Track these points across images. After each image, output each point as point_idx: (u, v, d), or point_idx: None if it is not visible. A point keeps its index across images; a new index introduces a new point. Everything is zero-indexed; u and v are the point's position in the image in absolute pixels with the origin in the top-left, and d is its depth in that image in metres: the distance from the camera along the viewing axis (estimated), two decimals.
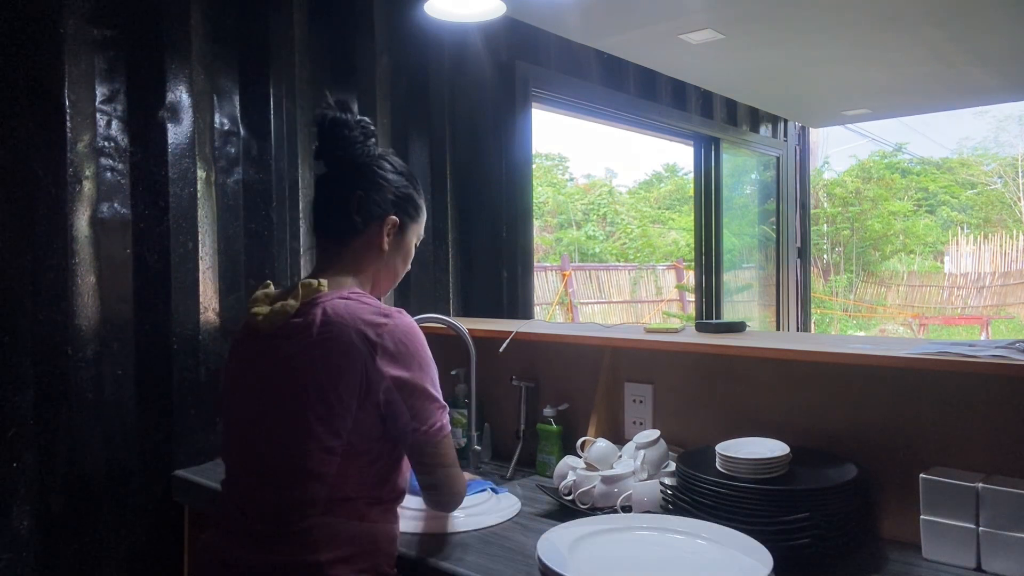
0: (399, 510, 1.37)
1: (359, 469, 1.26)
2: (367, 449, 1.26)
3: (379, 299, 1.38)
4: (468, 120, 2.89)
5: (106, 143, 1.87)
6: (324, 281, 1.32)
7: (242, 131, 2.17)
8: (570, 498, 1.61)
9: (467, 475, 1.62)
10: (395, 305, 2.57)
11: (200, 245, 2.03)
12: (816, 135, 10.61)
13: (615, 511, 1.54)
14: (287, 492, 1.24)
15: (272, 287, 1.39)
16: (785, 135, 5.35)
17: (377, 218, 1.39)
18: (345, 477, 1.24)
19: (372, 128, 1.41)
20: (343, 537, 1.23)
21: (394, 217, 1.41)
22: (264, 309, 1.32)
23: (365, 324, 1.25)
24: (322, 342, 1.25)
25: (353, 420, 1.23)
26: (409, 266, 1.50)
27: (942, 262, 14.72)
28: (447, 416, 1.33)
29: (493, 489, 1.69)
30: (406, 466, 1.35)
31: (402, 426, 1.27)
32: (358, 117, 1.39)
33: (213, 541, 1.32)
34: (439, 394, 1.32)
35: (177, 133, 1.99)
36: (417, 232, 1.48)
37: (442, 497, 1.37)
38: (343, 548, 1.23)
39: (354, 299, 1.29)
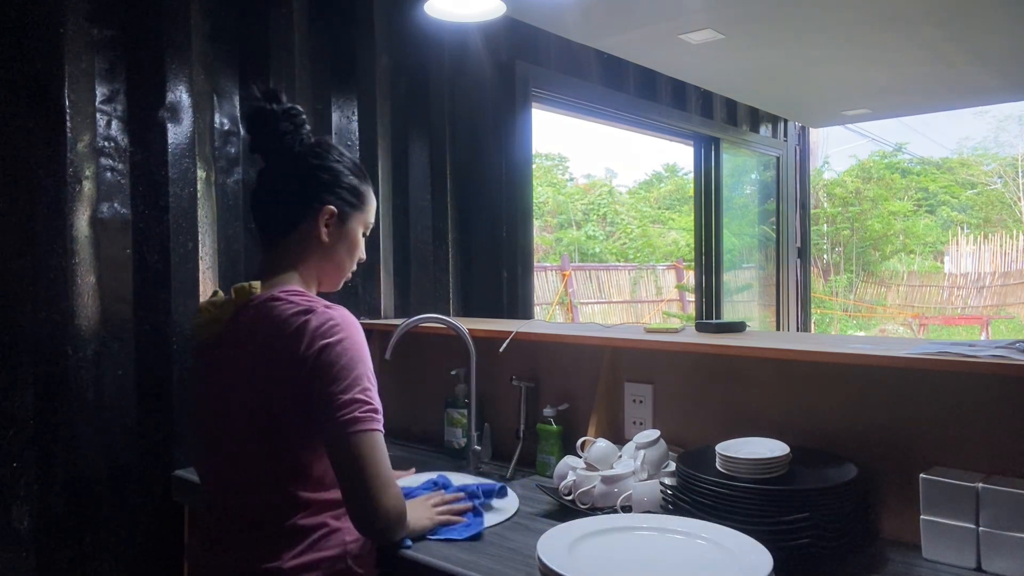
0: None
1: (317, 474, 1.24)
2: (318, 451, 1.23)
3: (329, 293, 1.35)
4: (468, 120, 2.89)
5: (106, 143, 1.87)
6: (256, 284, 1.30)
7: (242, 131, 2.17)
8: (570, 498, 1.61)
9: (470, 478, 1.57)
10: (396, 305, 2.59)
11: (200, 245, 2.03)
12: (816, 135, 10.61)
13: (615, 511, 1.54)
14: (251, 500, 1.25)
15: (220, 294, 1.36)
16: (785, 135, 5.35)
17: (314, 209, 1.34)
18: (302, 481, 1.24)
19: (303, 116, 1.37)
20: (309, 542, 1.23)
21: (332, 207, 1.35)
22: (201, 319, 1.32)
23: (289, 323, 1.21)
24: (252, 348, 1.24)
25: (297, 424, 1.21)
26: (361, 255, 1.44)
27: (942, 262, 14.72)
28: (374, 417, 1.21)
29: (499, 489, 1.66)
30: None
31: (320, 419, 1.19)
32: (287, 106, 1.35)
33: (198, 546, 1.33)
34: (365, 390, 1.21)
35: (177, 133, 1.99)
36: (364, 221, 1.42)
37: (357, 510, 1.19)
38: (309, 553, 1.23)
39: (283, 297, 1.26)
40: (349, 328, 1.23)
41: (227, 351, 1.28)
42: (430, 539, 1.41)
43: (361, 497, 1.18)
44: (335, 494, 1.25)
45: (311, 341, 1.19)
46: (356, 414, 1.18)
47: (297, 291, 1.29)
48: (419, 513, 1.42)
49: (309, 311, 1.22)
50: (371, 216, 1.44)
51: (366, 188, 1.43)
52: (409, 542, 1.38)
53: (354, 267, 1.45)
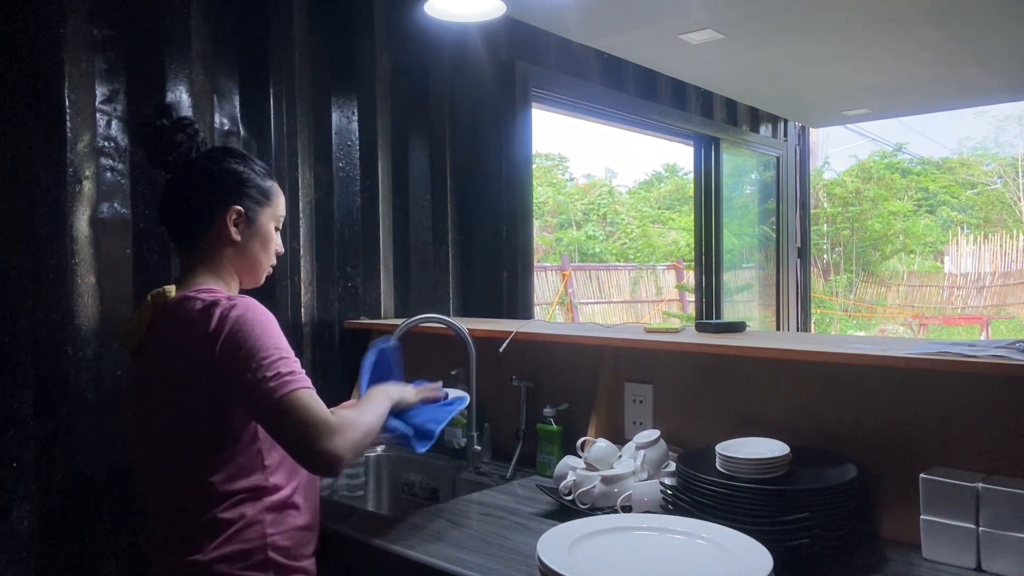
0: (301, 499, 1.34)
1: (234, 466, 1.27)
2: (234, 442, 1.26)
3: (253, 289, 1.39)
4: (468, 120, 2.89)
5: (106, 143, 1.87)
6: (171, 288, 1.34)
7: (242, 131, 2.17)
8: (570, 498, 1.61)
9: (431, 388, 1.62)
10: (396, 305, 2.59)
11: None
12: (816, 135, 10.61)
13: (615, 511, 1.54)
14: (172, 495, 1.30)
15: (149, 299, 1.38)
16: (785, 135, 5.35)
17: (220, 212, 1.37)
18: (220, 474, 1.26)
19: (195, 127, 1.40)
20: (228, 534, 1.26)
21: (238, 207, 1.38)
22: (126, 327, 1.36)
23: (196, 319, 1.25)
24: (167, 346, 1.29)
25: (213, 418, 1.25)
26: (278, 248, 1.46)
27: (942, 262, 14.71)
28: (296, 378, 1.21)
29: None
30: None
31: (242, 396, 1.21)
32: (178, 117, 1.39)
33: (144, 543, 1.38)
34: (282, 359, 1.22)
35: None
36: (274, 216, 1.44)
37: (308, 460, 1.22)
38: (228, 545, 1.26)
39: (192, 296, 1.29)
40: (254, 311, 1.26)
41: (147, 354, 1.33)
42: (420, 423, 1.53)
43: (301, 448, 1.19)
44: (254, 483, 1.28)
45: (218, 326, 1.22)
46: (280, 381, 1.20)
47: (208, 289, 1.32)
48: (403, 392, 1.55)
49: (214, 303, 1.25)
50: (280, 210, 1.46)
51: (270, 184, 1.45)
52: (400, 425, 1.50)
53: (273, 261, 1.47)
